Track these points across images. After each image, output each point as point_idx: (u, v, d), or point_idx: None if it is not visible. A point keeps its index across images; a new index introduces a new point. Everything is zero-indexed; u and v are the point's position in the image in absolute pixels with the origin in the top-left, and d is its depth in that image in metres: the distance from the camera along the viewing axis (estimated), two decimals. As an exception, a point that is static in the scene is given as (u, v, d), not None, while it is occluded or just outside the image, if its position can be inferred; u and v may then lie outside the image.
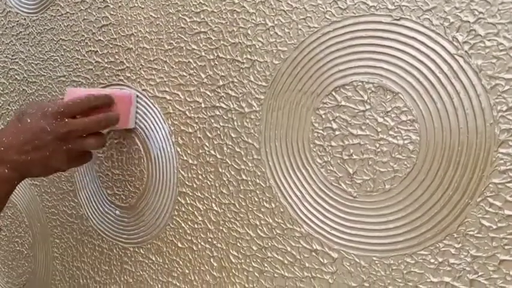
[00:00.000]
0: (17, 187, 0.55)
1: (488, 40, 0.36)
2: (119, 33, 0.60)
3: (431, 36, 0.38)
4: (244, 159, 0.51)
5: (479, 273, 0.38)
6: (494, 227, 0.37)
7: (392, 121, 0.41)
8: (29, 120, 0.52)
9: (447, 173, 0.39)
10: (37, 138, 0.51)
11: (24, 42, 0.72)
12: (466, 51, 0.37)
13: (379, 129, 0.42)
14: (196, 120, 0.54)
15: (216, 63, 0.51)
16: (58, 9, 0.66)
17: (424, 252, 0.40)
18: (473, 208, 0.38)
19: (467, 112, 0.38)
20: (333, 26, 0.43)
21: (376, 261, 0.43)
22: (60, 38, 0.67)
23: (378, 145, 0.42)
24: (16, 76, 0.74)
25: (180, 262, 0.58)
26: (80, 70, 0.65)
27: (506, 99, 0.36)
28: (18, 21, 0.72)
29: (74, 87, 0.66)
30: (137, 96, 0.59)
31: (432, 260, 0.40)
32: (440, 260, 0.40)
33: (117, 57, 0.60)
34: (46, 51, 0.69)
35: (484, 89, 0.37)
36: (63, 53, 0.67)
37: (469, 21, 0.37)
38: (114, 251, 0.65)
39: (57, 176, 0.71)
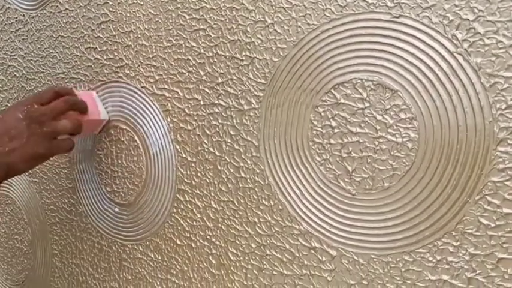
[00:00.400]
0: (16, 184, 0.55)
1: (488, 38, 0.36)
2: (118, 30, 0.59)
3: (430, 34, 0.38)
4: (243, 156, 0.51)
5: (478, 271, 0.38)
6: (493, 225, 0.37)
7: (391, 119, 0.41)
8: (0, 116, 0.54)
9: (446, 171, 0.39)
10: (12, 127, 0.52)
11: (23, 39, 0.72)
12: (465, 49, 0.37)
13: (378, 127, 0.42)
14: (195, 118, 0.54)
15: (215, 60, 0.51)
16: (57, 6, 0.66)
17: (423, 250, 0.41)
18: (472, 206, 0.38)
19: (466, 110, 0.38)
20: (332, 23, 0.43)
21: (375, 259, 0.43)
22: (59, 35, 0.66)
23: (376, 143, 0.42)
24: (15, 73, 0.74)
25: (179, 259, 0.58)
26: (79, 67, 0.65)
27: (506, 97, 0.36)
28: (17, 17, 0.72)
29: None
30: (135, 92, 0.59)
31: (430, 258, 0.40)
32: (438, 258, 0.40)
33: (116, 54, 0.60)
34: (45, 48, 0.69)
35: (483, 87, 0.37)
36: (62, 50, 0.67)
37: (468, 19, 0.37)
38: (113, 248, 0.65)
39: (56, 173, 0.71)
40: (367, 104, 0.42)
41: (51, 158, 0.71)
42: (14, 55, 0.74)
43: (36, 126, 0.53)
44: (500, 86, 0.36)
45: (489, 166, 0.37)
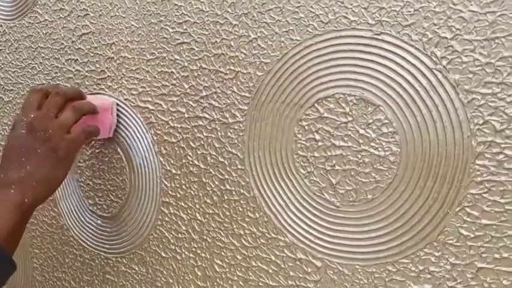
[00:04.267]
0: None
1: (465, 56, 0.37)
2: (99, 42, 0.59)
3: (410, 51, 0.40)
4: (228, 169, 0.51)
5: (458, 281, 0.39)
6: (472, 235, 0.39)
7: (373, 133, 0.42)
8: (7, 142, 0.51)
9: (427, 183, 0.40)
10: (21, 147, 0.50)
11: (0, 50, 0.70)
12: (444, 66, 0.38)
13: (360, 141, 0.43)
14: (180, 130, 0.54)
15: (199, 73, 0.51)
16: (36, 17, 0.65)
17: (406, 261, 0.42)
18: (452, 218, 0.39)
19: (446, 125, 0.39)
20: (315, 39, 0.44)
21: (359, 270, 0.44)
22: (39, 46, 0.66)
23: (359, 156, 0.43)
24: (-8, 84, 0.73)
25: (164, 272, 0.58)
26: (59, 78, 0.64)
27: (483, 113, 0.37)
28: (-6, 27, 0.70)
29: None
30: (117, 105, 0.59)
31: (413, 268, 0.41)
32: (421, 268, 0.41)
33: (97, 66, 0.60)
34: (24, 59, 0.68)
35: (462, 103, 0.38)
36: (41, 61, 0.66)
37: (446, 37, 0.38)
38: (96, 261, 0.64)
39: (36, 185, 0.70)
40: (350, 118, 0.43)
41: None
42: (-9, 65, 0.72)
43: (42, 133, 0.50)
44: (477, 102, 0.37)
45: (468, 179, 0.38)
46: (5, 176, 0.49)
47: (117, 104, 0.59)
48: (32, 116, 0.51)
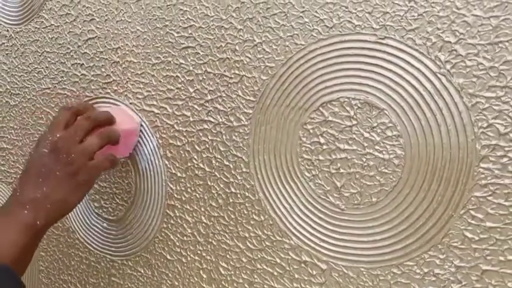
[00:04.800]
0: (1, 199, 0.53)
1: (469, 60, 0.38)
2: (105, 46, 0.60)
3: (414, 55, 0.40)
4: (233, 172, 0.51)
5: (463, 283, 0.40)
6: (477, 238, 0.39)
7: (378, 136, 0.42)
8: (30, 158, 0.51)
9: (431, 186, 0.40)
10: (42, 166, 0.49)
11: (7, 54, 0.71)
12: (448, 70, 0.39)
13: (365, 144, 0.43)
14: (185, 134, 0.54)
15: (204, 77, 0.52)
16: (42, 22, 0.66)
17: (410, 263, 0.42)
18: (457, 220, 0.39)
19: (450, 128, 0.39)
20: (319, 43, 0.44)
21: (364, 272, 0.44)
22: (45, 50, 0.66)
23: (364, 159, 0.43)
24: (-1, 88, 0.73)
25: (169, 274, 0.58)
26: (65, 83, 0.65)
27: (487, 117, 0.37)
28: (0, 32, 0.71)
29: None
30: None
31: (418, 271, 0.42)
32: (425, 270, 0.41)
33: (103, 70, 0.60)
34: (30, 63, 0.68)
35: (466, 107, 0.38)
36: (47, 65, 0.66)
37: (450, 42, 0.38)
38: (102, 263, 0.65)
39: (42, 188, 0.70)
40: (354, 122, 0.43)
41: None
42: (-2, 70, 0.73)
43: (65, 155, 0.49)
44: (481, 106, 0.38)
45: (472, 182, 0.39)
46: (21, 194, 0.49)
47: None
48: (57, 135, 0.50)
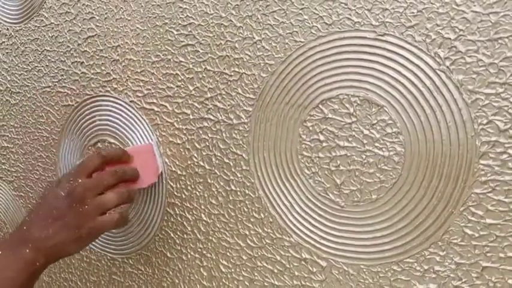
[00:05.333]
0: (1, 198, 0.53)
1: (469, 56, 0.38)
2: (105, 44, 0.60)
3: (414, 51, 0.40)
4: (233, 170, 0.51)
5: (463, 280, 0.40)
6: (477, 235, 0.39)
7: (377, 133, 0.42)
8: (47, 193, 0.50)
9: (431, 183, 0.40)
10: (54, 208, 0.49)
11: (7, 53, 0.71)
12: (447, 67, 0.39)
13: (365, 141, 0.43)
14: (185, 132, 0.54)
15: (204, 75, 0.52)
16: (42, 20, 0.66)
17: (410, 260, 0.42)
18: (457, 217, 0.39)
19: (450, 125, 0.39)
20: (318, 40, 0.44)
21: (364, 269, 0.44)
22: (45, 49, 0.66)
23: (364, 156, 0.43)
24: (-1, 86, 0.74)
25: (170, 272, 0.58)
26: (65, 81, 0.65)
27: (486, 113, 0.37)
28: (0, 31, 0.71)
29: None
30: (127, 109, 0.59)
31: (418, 268, 0.42)
32: (425, 267, 0.41)
33: (103, 68, 0.60)
34: (30, 62, 0.68)
35: (465, 103, 0.38)
36: (47, 64, 0.66)
37: (450, 38, 0.38)
38: (102, 261, 0.65)
39: (43, 187, 0.71)
40: (354, 119, 0.43)
41: (37, 173, 0.71)
42: (-2, 68, 0.73)
43: (78, 205, 0.48)
44: (481, 102, 0.38)
45: (472, 178, 0.39)
46: (27, 230, 0.49)
47: (122, 106, 0.59)
48: (79, 181, 0.49)
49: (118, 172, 0.51)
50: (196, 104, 0.53)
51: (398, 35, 0.40)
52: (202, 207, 0.54)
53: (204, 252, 0.55)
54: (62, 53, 0.64)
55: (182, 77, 0.54)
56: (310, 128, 0.46)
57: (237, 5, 0.48)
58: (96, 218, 0.49)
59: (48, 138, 0.68)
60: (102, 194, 0.50)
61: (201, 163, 0.54)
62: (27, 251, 0.48)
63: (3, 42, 0.71)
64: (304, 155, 0.46)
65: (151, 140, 0.57)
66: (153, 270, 0.60)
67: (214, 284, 0.54)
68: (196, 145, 0.54)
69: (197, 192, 0.54)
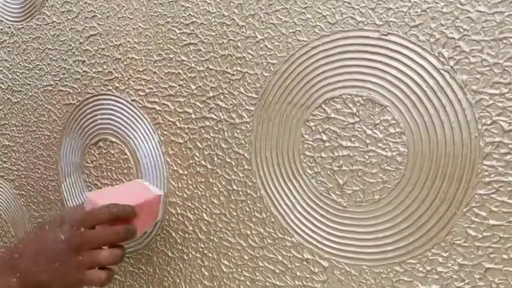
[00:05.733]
0: (2, 197, 0.53)
1: (473, 56, 0.37)
2: (107, 43, 0.59)
3: (418, 51, 0.40)
4: (235, 169, 0.51)
5: (466, 281, 0.39)
6: (480, 236, 0.38)
7: (380, 133, 0.42)
8: (47, 228, 0.50)
9: (434, 184, 0.40)
10: (50, 248, 0.49)
11: (8, 51, 0.71)
12: (451, 67, 0.38)
13: (368, 141, 0.43)
14: (187, 131, 0.54)
15: (206, 74, 0.52)
16: (44, 18, 0.65)
17: (413, 261, 0.42)
18: (460, 218, 0.39)
19: (453, 125, 0.39)
20: (322, 40, 0.44)
21: (366, 270, 0.44)
22: (46, 47, 0.66)
23: (367, 156, 0.43)
24: (0, 85, 0.73)
25: (171, 272, 0.58)
26: (67, 79, 0.65)
27: (491, 113, 0.37)
28: (2, 29, 0.71)
29: (91, 190, 0.64)
30: (127, 107, 0.59)
31: (420, 269, 0.41)
32: (428, 268, 0.41)
33: (105, 67, 0.60)
34: (32, 60, 0.68)
35: (469, 103, 0.38)
36: (49, 62, 0.66)
37: (454, 38, 0.38)
38: (104, 261, 0.65)
39: (44, 185, 0.71)
40: (357, 119, 0.43)
41: (38, 171, 0.70)
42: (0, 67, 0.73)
43: (74, 254, 0.48)
44: (485, 103, 0.37)
45: (476, 179, 0.38)
46: (18, 259, 0.49)
47: (124, 105, 0.59)
48: (81, 230, 0.49)
49: (121, 234, 0.50)
50: (198, 103, 0.53)
51: (402, 34, 0.40)
52: (204, 206, 0.54)
53: (206, 251, 0.55)
54: (63, 52, 0.64)
55: (184, 76, 0.53)
56: (313, 128, 0.45)
57: (240, 3, 0.48)
58: (85, 271, 0.49)
59: (50, 137, 0.68)
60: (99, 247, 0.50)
61: (203, 162, 0.53)
62: (14, 280, 0.49)
63: (5, 40, 0.71)
64: (307, 155, 0.46)
65: (161, 190, 0.57)
66: (154, 270, 0.59)
67: (215, 283, 0.54)
68: (198, 144, 0.53)
69: (199, 192, 0.54)
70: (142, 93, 0.57)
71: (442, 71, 0.39)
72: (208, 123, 0.52)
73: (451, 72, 0.38)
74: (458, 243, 0.39)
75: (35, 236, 0.51)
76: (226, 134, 0.51)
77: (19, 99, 0.71)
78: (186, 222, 0.56)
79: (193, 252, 0.56)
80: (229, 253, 0.53)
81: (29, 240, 0.51)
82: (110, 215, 0.49)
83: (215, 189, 0.53)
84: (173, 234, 0.57)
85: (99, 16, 0.59)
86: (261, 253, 0.50)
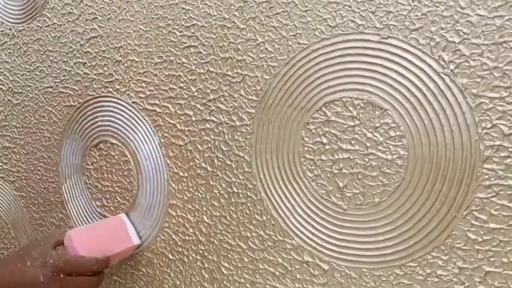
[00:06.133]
0: (2, 198, 0.54)
1: (473, 60, 0.37)
2: (107, 45, 0.60)
3: (418, 55, 0.40)
4: (235, 171, 0.51)
5: (466, 284, 0.39)
6: (480, 239, 0.39)
7: (381, 136, 0.42)
8: (28, 264, 0.52)
9: (434, 187, 0.40)
10: (28, 285, 0.51)
11: (9, 53, 0.71)
12: (451, 70, 0.38)
13: (368, 144, 0.43)
14: (187, 133, 0.54)
15: (207, 77, 0.52)
16: (45, 20, 0.66)
17: (413, 264, 0.42)
18: (460, 221, 0.39)
19: (453, 128, 0.39)
20: (322, 43, 0.44)
21: (366, 273, 0.44)
22: (47, 49, 0.66)
23: (367, 159, 0.43)
24: (1, 86, 0.73)
25: (171, 274, 0.58)
26: (67, 81, 0.65)
27: (491, 117, 0.37)
28: (3, 31, 0.71)
29: (72, 228, 0.67)
30: (126, 113, 0.59)
31: (420, 272, 0.41)
32: (428, 271, 0.41)
33: (106, 69, 0.60)
34: (32, 62, 0.68)
35: (469, 107, 0.38)
36: (50, 64, 0.66)
37: (454, 42, 0.38)
38: (104, 262, 0.65)
39: (44, 187, 0.71)
40: (357, 122, 0.43)
41: (39, 173, 0.70)
42: (0, 69, 0.73)
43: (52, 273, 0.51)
44: (485, 106, 0.37)
45: (476, 183, 0.38)
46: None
47: (125, 107, 0.59)
48: (60, 276, 0.52)
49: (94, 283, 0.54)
50: (198, 106, 0.53)
51: (402, 38, 0.40)
52: (204, 209, 0.54)
53: (206, 254, 0.55)
54: (64, 54, 0.64)
55: (185, 79, 0.53)
56: (313, 131, 0.46)
57: (241, 6, 0.48)
58: None
59: (50, 139, 0.68)
60: None
61: (203, 165, 0.53)
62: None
63: (6, 42, 0.71)
64: (307, 158, 0.46)
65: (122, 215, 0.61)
66: (155, 272, 0.60)
67: (215, 286, 0.54)
68: (199, 147, 0.54)
69: (199, 194, 0.54)
70: (142, 95, 0.57)
71: (442, 75, 0.39)
72: (208, 126, 0.52)
73: (451, 75, 0.38)
74: (458, 247, 0.39)
75: (15, 266, 0.52)
76: (226, 136, 0.51)
77: (20, 101, 0.71)
78: (186, 224, 0.56)
79: (193, 255, 0.56)
80: (230, 255, 0.53)
81: (8, 268, 0.53)
82: (88, 268, 0.53)
83: (215, 191, 0.53)
84: (173, 236, 0.57)
85: (100, 18, 0.59)
86: (261, 255, 0.50)
